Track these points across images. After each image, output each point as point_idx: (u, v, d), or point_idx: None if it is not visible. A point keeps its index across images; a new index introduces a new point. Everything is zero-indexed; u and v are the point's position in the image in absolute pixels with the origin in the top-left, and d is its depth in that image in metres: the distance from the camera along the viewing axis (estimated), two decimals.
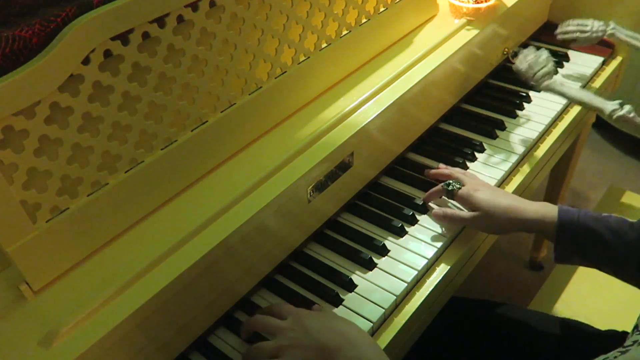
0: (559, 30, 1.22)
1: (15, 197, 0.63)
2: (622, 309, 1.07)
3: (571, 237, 0.81)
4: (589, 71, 1.26)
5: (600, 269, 0.83)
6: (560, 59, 1.32)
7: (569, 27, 1.21)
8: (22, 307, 0.66)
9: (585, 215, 0.81)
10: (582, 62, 1.31)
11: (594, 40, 1.20)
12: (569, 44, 1.23)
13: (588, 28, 1.19)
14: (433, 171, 0.99)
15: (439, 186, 0.95)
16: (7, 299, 0.67)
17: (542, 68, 1.04)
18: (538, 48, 1.09)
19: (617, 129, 2.15)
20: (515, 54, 1.21)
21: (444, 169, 0.99)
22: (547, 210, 0.83)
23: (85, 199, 0.70)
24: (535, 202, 0.86)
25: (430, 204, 0.97)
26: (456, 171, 0.96)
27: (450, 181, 0.93)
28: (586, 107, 1.03)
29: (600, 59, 1.30)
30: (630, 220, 0.80)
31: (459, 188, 0.91)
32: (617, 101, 0.97)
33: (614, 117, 0.96)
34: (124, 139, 0.72)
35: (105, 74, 0.67)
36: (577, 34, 1.19)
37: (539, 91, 1.11)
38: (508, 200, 0.86)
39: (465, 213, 0.90)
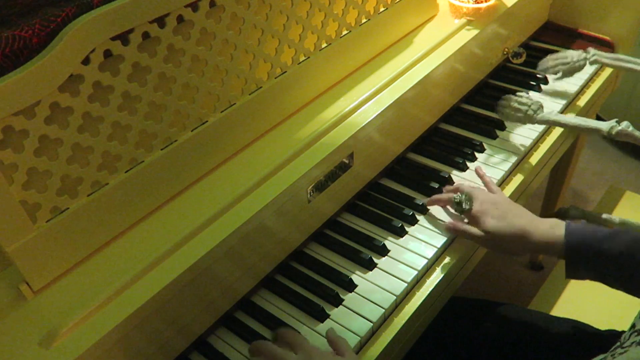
0: (539, 68, 1.21)
1: (15, 197, 0.63)
2: (622, 309, 1.07)
3: (581, 259, 0.81)
4: (589, 71, 1.26)
5: (615, 288, 0.82)
6: None
7: (549, 63, 1.20)
8: (22, 307, 0.66)
9: (593, 235, 0.80)
10: None
11: (577, 69, 1.20)
12: (555, 78, 1.22)
13: (568, 60, 1.19)
14: (434, 197, 0.96)
15: (447, 196, 0.93)
16: (7, 299, 0.67)
17: (529, 106, 1.05)
18: (514, 92, 1.11)
19: None
20: (515, 54, 1.22)
21: (449, 188, 0.96)
22: (554, 232, 0.82)
23: (85, 199, 0.70)
24: (544, 221, 0.85)
25: (446, 222, 0.92)
26: (461, 187, 0.93)
27: (461, 196, 0.90)
28: (583, 131, 1.04)
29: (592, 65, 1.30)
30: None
31: (470, 208, 0.88)
32: (613, 120, 0.99)
33: (614, 132, 0.97)
34: (124, 139, 0.72)
35: (105, 74, 0.67)
36: (559, 67, 1.19)
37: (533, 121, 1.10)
38: (516, 224, 0.84)
39: (476, 231, 0.88)
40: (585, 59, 1.19)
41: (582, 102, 1.22)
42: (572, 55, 1.19)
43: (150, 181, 0.76)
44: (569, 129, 1.07)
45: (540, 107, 1.06)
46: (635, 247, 0.78)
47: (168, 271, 0.69)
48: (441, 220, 0.94)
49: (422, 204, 0.96)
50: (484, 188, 0.96)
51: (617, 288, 0.82)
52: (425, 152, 1.09)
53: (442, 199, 0.95)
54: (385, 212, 0.96)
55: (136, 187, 0.74)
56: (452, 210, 0.94)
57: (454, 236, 0.92)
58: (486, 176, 0.98)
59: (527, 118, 1.06)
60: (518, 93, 1.10)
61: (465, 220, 0.92)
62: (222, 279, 0.77)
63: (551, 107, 1.18)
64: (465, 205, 0.89)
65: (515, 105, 1.07)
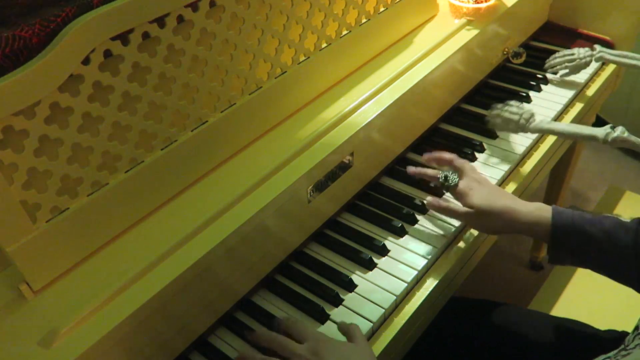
0: (546, 65, 1.24)
1: (15, 197, 0.63)
2: (622, 309, 1.07)
3: (565, 240, 0.80)
4: (589, 71, 1.26)
5: (595, 271, 0.82)
6: None
7: (556, 60, 1.23)
8: (22, 307, 0.66)
9: (579, 217, 0.80)
10: None
11: (583, 66, 1.21)
12: (561, 75, 1.24)
13: (575, 56, 1.20)
14: (432, 154, 0.95)
15: (434, 172, 0.92)
16: (7, 299, 0.67)
17: (521, 116, 1.04)
18: (502, 100, 1.08)
19: None
20: (515, 54, 1.22)
21: (445, 154, 0.95)
22: (541, 213, 0.82)
23: (85, 199, 0.70)
24: (530, 203, 0.85)
25: (429, 199, 0.92)
26: (456, 160, 0.92)
27: (448, 173, 0.90)
28: (578, 139, 1.03)
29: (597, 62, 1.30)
30: (625, 221, 0.80)
31: (456, 184, 0.89)
32: (608, 125, 0.98)
33: (610, 139, 0.97)
34: (124, 139, 0.72)
35: (105, 74, 0.67)
36: (565, 64, 1.21)
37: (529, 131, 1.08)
38: (503, 201, 0.84)
39: (460, 208, 0.88)
40: (592, 55, 1.20)
41: (582, 102, 1.22)
42: (579, 52, 1.20)
43: (150, 181, 0.76)
44: (563, 137, 1.07)
45: (532, 115, 1.04)
46: (618, 231, 0.78)
47: (168, 271, 0.69)
48: (441, 220, 0.94)
49: (422, 204, 0.96)
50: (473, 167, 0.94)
51: (601, 273, 0.82)
52: (425, 152, 1.08)
53: (427, 173, 0.93)
54: (385, 212, 0.96)
55: (136, 187, 0.74)
56: (437, 185, 0.93)
57: (455, 236, 0.92)
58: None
59: (520, 127, 1.04)
60: (508, 102, 1.07)
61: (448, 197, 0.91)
62: (222, 279, 0.77)
63: (551, 106, 1.18)
64: (451, 181, 0.89)
65: (506, 115, 1.05)
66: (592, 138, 0.99)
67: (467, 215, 0.87)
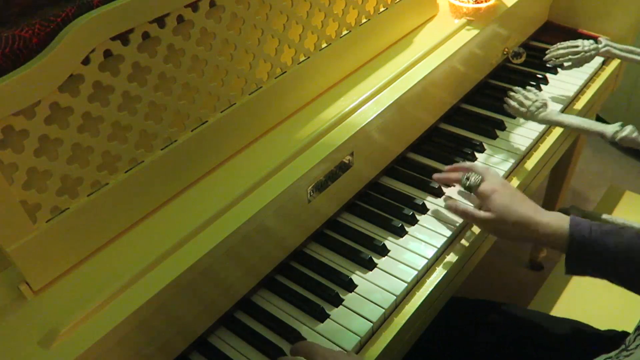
0: (548, 55, 1.17)
1: (15, 197, 0.63)
2: (622, 309, 1.07)
3: (583, 252, 0.80)
4: (589, 71, 1.26)
5: (613, 282, 0.81)
6: None
7: (559, 51, 1.16)
8: (22, 307, 0.66)
9: (597, 229, 0.79)
10: None
11: (587, 59, 1.15)
12: (562, 67, 1.19)
13: (579, 48, 1.14)
14: (453, 166, 0.97)
15: (458, 174, 0.93)
16: (7, 299, 0.67)
17: (533, 102, 1.04)
18: (524, 87, 1.09)
19: None
20: (515, 54, 1.22)
21: (465, 163, 0.96)
22: (559, 223, 0.81)
23: (85, 199, 0.70)
24: (549, 212, 0.84)
25: (448, 198, 0.93)
26: (477, 165, 0.93)
27: (470, 174, 0.90)
28: (586, 133, 1.01)
29: (600, 59, 1.30)
30: None
31: (478, 184, 0.88)
32: (618, 123, 0.97)
33: (618, 138, 0.95)
34: (124, 139, 0.72)
35: (105, 74, 0.67)
36: (569, 56, 1.15)
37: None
38: (524, 209, 0.83)
39: (478, 212, 0.88)
40: (597, 48, 1.15)
41: (581, 102, 1.22)
42: (583, 44, 1.15)
43: (150, 181, 0.76)
44: (571, 130, 1.06)
45: (544, 105, 1.04)
46: (638, 242, 0.77)
47: (168, 271, 0.69)
48: (442, 221, 0.94)
49: (422, 204, 0.96)
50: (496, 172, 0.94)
51: (617, 284, 0.81)
52: (425, 152, 1.09)
53: (451, 178, 0.94)
54: (385, 212, 0.96)
55: (136, 187, 0.74)
56: (461, 188, 0.93)
57: (455, 236, 0.92)
58: None
59: (529, 115, 1.04)
60: (528, 87, 1.08)
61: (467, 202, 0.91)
62: (222, 279, 0.77)
63: (551, 105, 1.17)
64: (474, 181, 0.89)
65: (521, 98, 1.05)
66: (600, 135, 0.98)
67: (485, 220, 0.87)
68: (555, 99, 1.20)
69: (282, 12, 0.85)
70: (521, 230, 0.83)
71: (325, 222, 0.93)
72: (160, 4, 0.69)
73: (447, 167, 0.98)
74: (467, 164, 0.96)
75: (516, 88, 1.09)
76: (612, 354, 0.59)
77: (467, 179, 0.90)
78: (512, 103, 1.07)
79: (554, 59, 1.17)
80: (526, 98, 1.05)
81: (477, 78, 1.22)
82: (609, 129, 0.97)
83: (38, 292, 0.68)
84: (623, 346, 0.59)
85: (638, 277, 0.78)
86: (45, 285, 0.68)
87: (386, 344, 0.79)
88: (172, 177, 0.78)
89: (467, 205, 0.93)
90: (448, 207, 0.92)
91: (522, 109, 1.05)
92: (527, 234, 0.83)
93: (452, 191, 0.99)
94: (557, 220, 0.82)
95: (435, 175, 0.97)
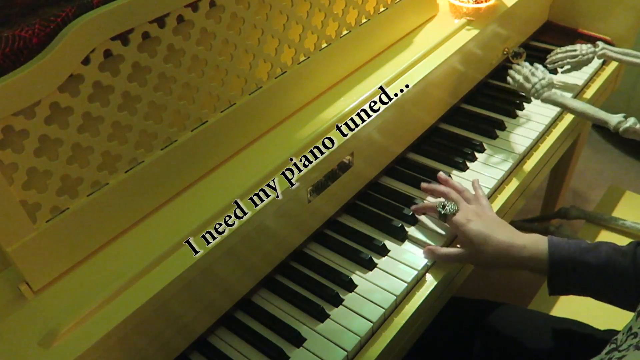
0: (548, 60, 1.23)
1: (15, 197, 0.63)
2: (622, 309, 1.06)
3: (563, 272, 0.80)
4: (589, 71, 1.26)
5: (596, 299, 0.82)
6: None
7: (558, 55, 1.21)
8: (22, 307, 0.66)
9: (576, 248, 0.79)
10: None
11: (585, 63, 1.20)
12: (562, 71, 1.23)
13: (577, 52, 1.19)
14: (428, 186, 0.96)
15: (433, 202, 0.92)
16: (7, 299, 0.67)
17: (540, 80, 1.04)
18: (532, 63, 1.10)
19: None
20: (516, 54, 1.22)
21: (443, 181, 0.95)
22: (537, 246, 0.81)
23: (85, 199, 0.70)
24: (526, 235, 0.83)
25: (425, 248, 0.90)
26: (454, 190, 0.92)
27: (446, 203, 0.89)
28: (589, 119, 1.01)
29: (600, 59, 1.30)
30: (621, 247, 0.79)
31: (453, 213, 0.88)
32: (621, 114, 0.97)
33: (621, 129, 0.95)
34: (124, 139, 0.72)
35: (105, 74, 0.67)
36: (567, 60, 1.20)
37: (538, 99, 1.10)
38: (500, 236, 0.82)
39: (455, 251, 0.87)
40: (594, 52, 1.18)
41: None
42: (581, 48, 1.19)
43: (150, 181, 0.76)
44: (574, 114, 1.04)
45: (550, 85, 1.03)
46: (616, 257, 0.78)
47: (168, 271, 0.69)
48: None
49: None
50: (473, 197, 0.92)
51: (601, 300, 0.81)
52: (425, 152, 1.09)
53: (427, 206, 0.93)
54: (385, 212, 0.96)
55: (136, 187, 0.74)
56: (436, 217, 0.92)
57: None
58: (480, 189, 0.95)
59: (534, 92, 1.03)
60: (536, 64, 1.08)
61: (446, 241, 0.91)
62: (222, 279, 0.77)
63: (551, 105, 1.18)
64: (449, 210, 0.88)
65: (528, 74, 1.05)
66: (604, 122, 0.97)
67: (462, 256, 0.86)
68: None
69: (282, 12, 0.85)
70: (500, 256, 0.83)
71: (325, 222, 0.93)
72: (160, 4, 0.69)
73: (423, 186, 0.97)
74: (443, 188, 0.93)
75: (523, 63, 1.08)
76: (603, 353, 0.58)
77: (443, 207, 0.89)
78: (517, 77, 1.06)
79: (552, 63, 1.22)
80: (533, 74, 1.05)
81: (477, 78, 1.22)
82: (614, 119, 0.96)
83: (38, 292, 0.68)
84: (613, 345, 0.59)
85: (620, 290, 0.78)
86: (45, 285, 0.68)
87: (386, 344, 0.79)
88: (172, 177, 0.78)
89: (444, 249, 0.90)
90: (426, 254, 0.89)
91: (527, 85, 1.04)
92: (508, 259, 0.83)
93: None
94: (535, 243, 0.82)
95: (413, 207, 0.95)
